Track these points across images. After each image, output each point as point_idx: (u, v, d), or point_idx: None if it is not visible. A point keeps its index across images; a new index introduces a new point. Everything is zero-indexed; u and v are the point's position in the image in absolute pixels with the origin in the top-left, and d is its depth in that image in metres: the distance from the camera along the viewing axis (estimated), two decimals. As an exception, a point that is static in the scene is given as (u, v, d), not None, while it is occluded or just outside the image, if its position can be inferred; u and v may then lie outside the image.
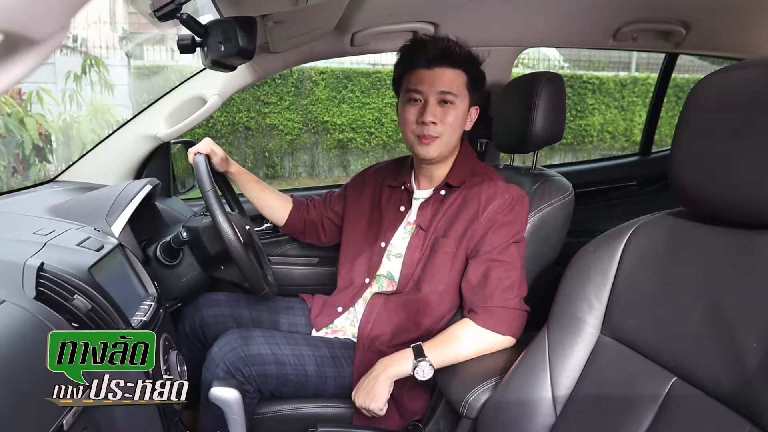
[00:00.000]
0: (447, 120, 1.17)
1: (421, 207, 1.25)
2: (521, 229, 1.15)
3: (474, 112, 1.23)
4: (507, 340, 1.09)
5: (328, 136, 6.12)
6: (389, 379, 1.08)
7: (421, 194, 1.27)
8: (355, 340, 1.24)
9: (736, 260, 0.68)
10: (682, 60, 2.89)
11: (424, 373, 1.05)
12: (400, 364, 1.08)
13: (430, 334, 1.19)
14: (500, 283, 1.09)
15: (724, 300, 0.67)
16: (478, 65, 1.21)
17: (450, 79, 1.16)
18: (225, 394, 0.93)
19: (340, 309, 1.29)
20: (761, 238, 0.67)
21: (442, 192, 1.23)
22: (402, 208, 1.29)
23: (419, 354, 1.07)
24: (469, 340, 1.09)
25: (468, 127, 1.23)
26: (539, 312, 1.03)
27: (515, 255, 1.12)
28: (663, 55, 2.07)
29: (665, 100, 2.15)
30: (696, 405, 0.67)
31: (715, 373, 0.66)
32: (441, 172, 1.24)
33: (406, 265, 1.22)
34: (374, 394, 1.07)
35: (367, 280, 1.28)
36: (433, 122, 1.16)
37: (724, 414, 0.64)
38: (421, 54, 1.17)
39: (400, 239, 1.26)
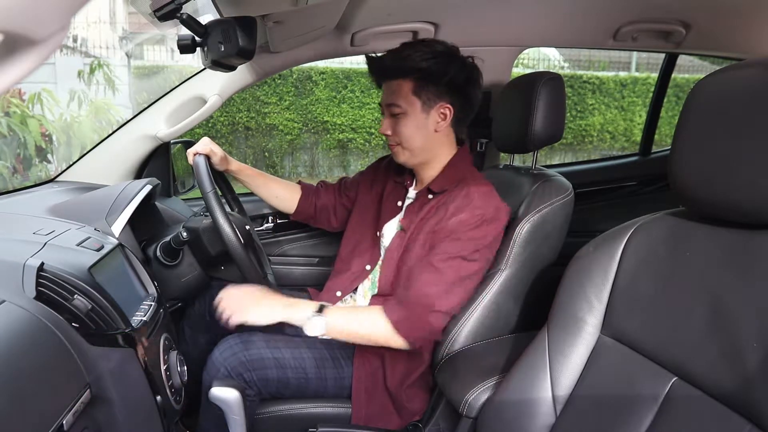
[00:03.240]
0: (399, 130, 1.17)
1: (408, 208, 1.26)
2: (480, 248, 1.09)
3: (447, 111, 1.16)
4: (399, 342, 1.07)
5: (328, 136, 6.13)
6: (278, 314, 1.04)
7: (412, 194, 1.28)
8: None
9: (737, 260, 0.68)
10: (682, 60, 2.90)
11: (314, 329, 1.04)
12: (298, 310, 1.06)
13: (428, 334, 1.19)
14: (423, 287, 1.08)
15: (725, 300, 0.67)
16: (429, 64, 1.13)
17: (393, 90, 1.17)
18: (225, 394, 0.93)
19: (339, 293, 1.29)
20: (761, 238, 0.67)
21: (429, 196, 1.22)
22: (399, 204, 1.29)
23: (320, 310, 1.06)
24: (368, 325, 1.08)
25: (440, 128, 1.18)
26: (539, 312, 1.03)
27: (455, 269, 1.08)
28: (663, 55, 2.07)
29: (665, 100, 2.15)
30: (696, 405, 0.67)
31: (716, 373, 0.66)
32: (428, 174, 1.23)
33: (385, 264, 1.22)
34: (256, 311, 1.03)
35: (368, 267, 1.28)
36: (387, 134, 1.19)
37: (724, 414, 0.64)
38: (372, 73, 1.21)
39: (390, 234, 1.27)
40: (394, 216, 1.28)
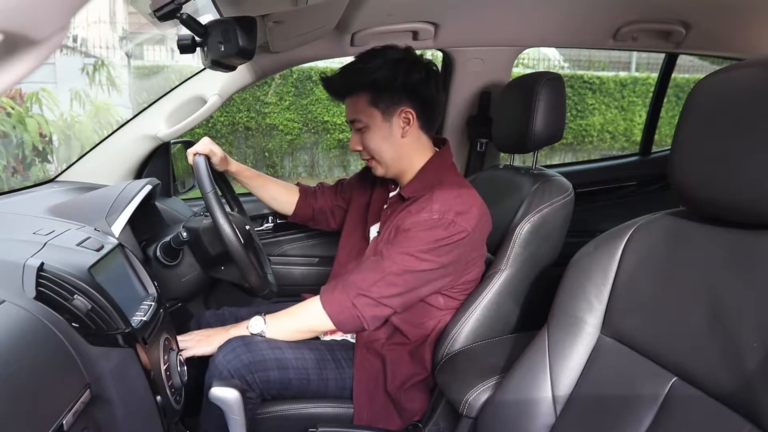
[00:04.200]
0: (367, 144, 1.18)
1: (384, 212, 1.26)
2: (431, 249, 1.07)
3: (409, 115, 1.14)
4: (327, 322, 1.10)
5: (328, 136, 6.12)
6: (219, 339, 1.13)
7: (391, 198, 1.27)
8: (353, 340, 1.24)
9: (737, 260, 0.68)
10: (682, 60, 2.89)
11: (254, 326, 1.14)
12: (239, 325, 1.16)
13: (428, 335, 1.19)
14: (362, 272, 1.10)
15: (725, 300, 0.67)
16: (378, 73, 1.12)
17: (350, 106, 1.17)
18: (225, 394, 0.92)
19: None
20: (761, 238, 0.67)
21: (403, 201, 1.21)
22: (384, 207, 1.29)
23: (260, 316, 1.16)
24: (305, 307, 1.14)
25: (407, 133, 1.16)
26: (539, 312, 1.03)
27: (399, 262, 1.07)
28: (663, 55, 2.07)
29: (665, 100, 2.15)
30: (696, 405, 0.67)
31: (716, 373, 0.66)
32: (406, 180, 1.22)
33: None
34: (198, 346, 1.12)
35: None
36: (357, 150, 1.20)
37: (724, 414, 0.64)
38: (328, 94, 1.21)
39: (371, 238, 1.27)
40: (378, 220, 1.29)
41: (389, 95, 1.13)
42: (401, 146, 1.17)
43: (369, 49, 1.18)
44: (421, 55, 1.19)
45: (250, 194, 1.48)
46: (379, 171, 1.22)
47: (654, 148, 2.22)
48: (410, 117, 1.15)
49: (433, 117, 1.21)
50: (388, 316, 1.13)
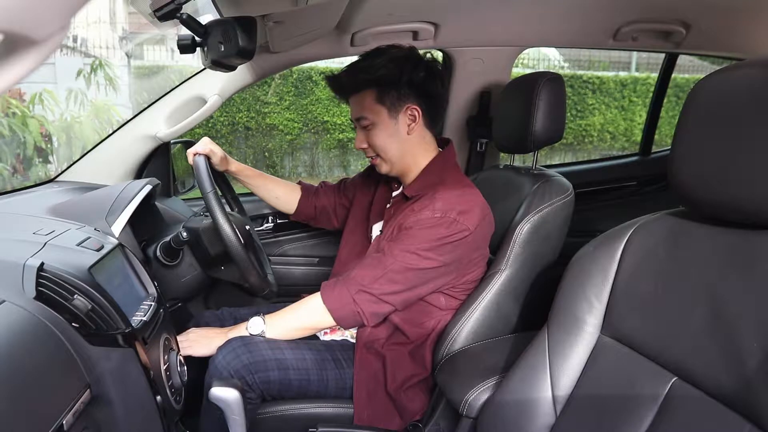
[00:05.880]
0: (372, 141, 1.18)
1: (387, 211, 1.26)
2: (434, 248, 1.08)
3: (415, 112, 1.16)
4: (327, 318, 1.10)
5: (328, 136, 6.13)
6: (218, 341, 1.13)
7: (394, 197, 1.28)
8: (353, 340, 1.24)
9: (737, 260, 0.68)
10: (682, 60, 2.90)
11: (254, 326, 1.13)
12: (239, 326, 1.15)
13: (429, 334, 1.19)
14: (364, 268, 1.11)
15: (725, 300, 0.67)
16: (384, 70, 1.13)
17: (358, 103, 1.17)
18: (224, 394, 0.92)
19: None
20: (761, 238, 0.67)
21: (406, 200, 1.21)
22: (387, 206, 1.29)
23: (259, 317, 1.15)
24: (304, 305, 1.14)
25: (412, 131, 1.17)
26: (539, 312, 1.03)
27: (401, 260, 1.08)
28: (663, 55, 2.07)
29: (665, 100, 2.15)
30: (696, 405, 0.67)
31: (716, 373, 0.66)
32: (410, 178, 1.23)
33: None
34: (207, 342, 1.12)
35: None
36: (363, 147, 1.20)
37: (724, 414, 0.64)
38: (334, 92, 1.21)
39: (374, 237, 1.28)
40: (381, 219, 1.29)
41: (395, 92, 1.15)
42: (406, 143, 1.18)
43: (373, 48, 1.19)
44: (426, 54, 1.20)
45: (250, 194, 1.48)
46: (384, 168, 1.22)
47: (654, 148, 2.22)
48: (416, 114, 1.16)
49: (438, 114, 1.23)
50: (388, 313, 1.14)
